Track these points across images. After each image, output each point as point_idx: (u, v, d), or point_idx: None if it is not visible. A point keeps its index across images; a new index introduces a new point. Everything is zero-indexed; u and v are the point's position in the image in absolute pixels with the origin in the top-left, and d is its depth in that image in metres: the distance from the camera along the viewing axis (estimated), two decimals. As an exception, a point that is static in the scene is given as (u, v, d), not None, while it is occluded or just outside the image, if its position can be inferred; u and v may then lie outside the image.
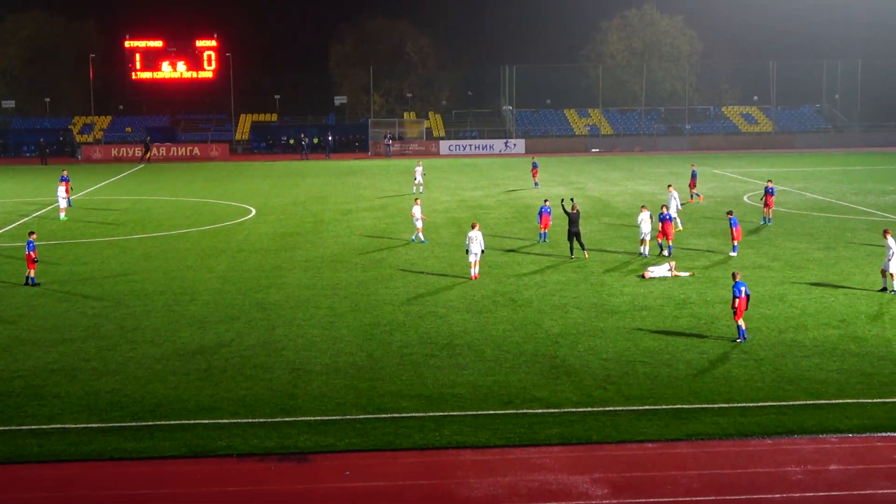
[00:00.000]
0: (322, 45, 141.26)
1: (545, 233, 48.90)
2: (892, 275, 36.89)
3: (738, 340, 30.36)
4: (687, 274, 40.03)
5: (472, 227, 40.92)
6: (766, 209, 54.38)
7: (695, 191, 65.61)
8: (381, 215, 60.17)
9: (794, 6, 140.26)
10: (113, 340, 31.47)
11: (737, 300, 30.23)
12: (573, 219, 44.19)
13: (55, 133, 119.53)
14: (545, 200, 50.71)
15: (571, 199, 46.96)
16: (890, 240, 36.94)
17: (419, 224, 49.24)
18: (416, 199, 51.51)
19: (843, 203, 63.37)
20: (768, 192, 54.55)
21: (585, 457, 22.05)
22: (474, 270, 40.40)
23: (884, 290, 37.06)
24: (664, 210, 45.59)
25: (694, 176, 66.08)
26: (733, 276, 31.14)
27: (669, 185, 57.27)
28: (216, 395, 25.96)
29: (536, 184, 76.50)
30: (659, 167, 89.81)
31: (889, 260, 36.75)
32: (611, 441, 22.78)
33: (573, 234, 44.22)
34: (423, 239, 49.22)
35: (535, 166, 78.59)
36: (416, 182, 72.53)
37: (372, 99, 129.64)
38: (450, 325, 32.96)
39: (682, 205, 46.61)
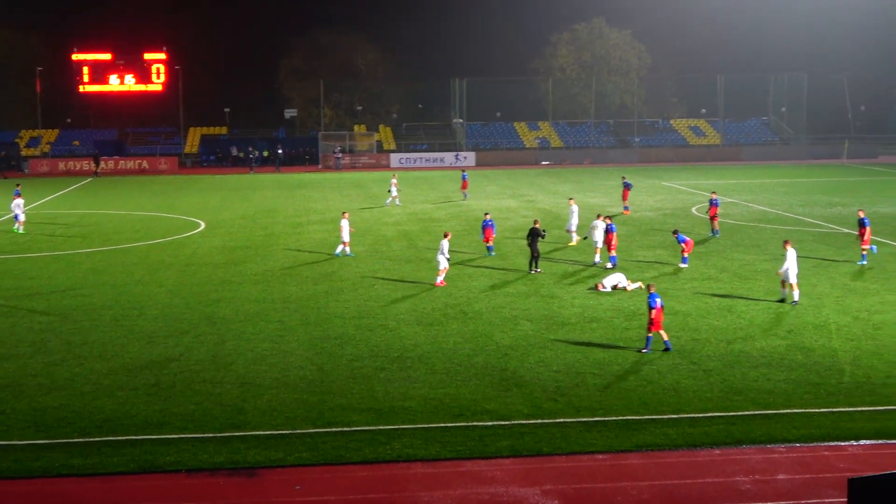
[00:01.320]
0: (272, 58, 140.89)
1: (491, 245, 48.87)
2: (791, 284, 37.54)
3: (645, 350, 30.63)
4: (637, 285, 40.20)
5: (444, 237, 42.21)
6: (712, 221, 54.85)
7: (626, 202, 66.14)
8: (331, 228, 59.95)
9: (740, 20, 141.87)
10: (60, 356, 31.14)
11: (653, 311, 30.46)
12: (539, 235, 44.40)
13: (1, 147, 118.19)
14: (486, 214, 50.71)
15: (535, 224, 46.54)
16: (790, 250, 37.60)
17: (346, 237, 48.81)
18: (343, 213, 50.96)
19: (789, 215, 63.98)
20: (713, 204, 55.03)
21: (536, 469, 22.08)
22: (440, 277, 41.23)
23: (782, 300, 37.63)
24: (608, 221, 45.89)
25: (626, 187, 66.58)
26: (648, 287, 31.44)
27: (570, 199, 56.83)
28: (165, 410, 25.75)
29: (465, 195, 76.68)
30: (609, 179, 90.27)
31: (787, 269, 37.39)
32: (561, 453, 22.82)
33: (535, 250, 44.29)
34: (348, 252, 48.87)
35: (464, 178, 78.66)
36: (392, 195, 72.60)
37: (322, 112, 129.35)
38: (400, 338, 32.91)
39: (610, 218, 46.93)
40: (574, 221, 52.62)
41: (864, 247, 45.28)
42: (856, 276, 42.56)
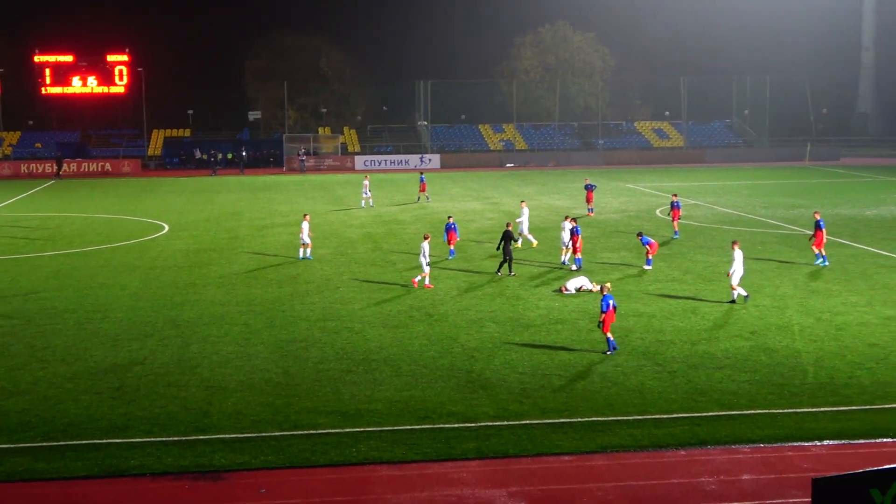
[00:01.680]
0: (236, 60, 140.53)
1: (453, 249, 48.80)
2: (733, 286, 37.96)
3: (608, 353, 30.74)
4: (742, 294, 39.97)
5: (425, 239, 41.91)
6: (673, 222, 55.19)
7: (591, 205, 66.41)
8: (296, 231, 59.70)
9: (703, 23, 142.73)
10: (22, 359, 30.91)
11: (604, 314, 30.58)
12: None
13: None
14: (449, 217, 50.58)
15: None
16: (737, 251, 38.04)
17: (306, 240, 48.52)
18: (304, 216, 50.58)
19: (753, 217, 64.39)
20: (674, 207, 55.32)
21: (502, 470, 22.12)
22: (427, 280, 41.35)
23: (733, 301, 38.04)
24: (574, 223, 46.03)
25: (589, 189, 66.82)
26: (601, 289, 31.60)
27: (522, 201, 56.79)
28: (129, 413, 25.62)
29: (427, 198, 76.81)
30: (573, 182, 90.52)
31: (733, 271, 37.86)
32: (527, 454, 22.87)
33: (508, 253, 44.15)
34: (308, 256, 48.66)
35: (422, 181, 78.74)
36: (365, 196, 72.53)
37: (287, 114, 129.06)
38: (366, 340, 32.89)
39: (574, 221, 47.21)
40: (525, 224, 52.91)
41: (818, 249, 45.45)
42: (818, 277, 42.89)
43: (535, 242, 52.15)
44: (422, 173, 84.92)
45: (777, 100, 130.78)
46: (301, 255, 48.93)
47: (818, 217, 46.24)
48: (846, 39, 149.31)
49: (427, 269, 41.41)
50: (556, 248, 49.29)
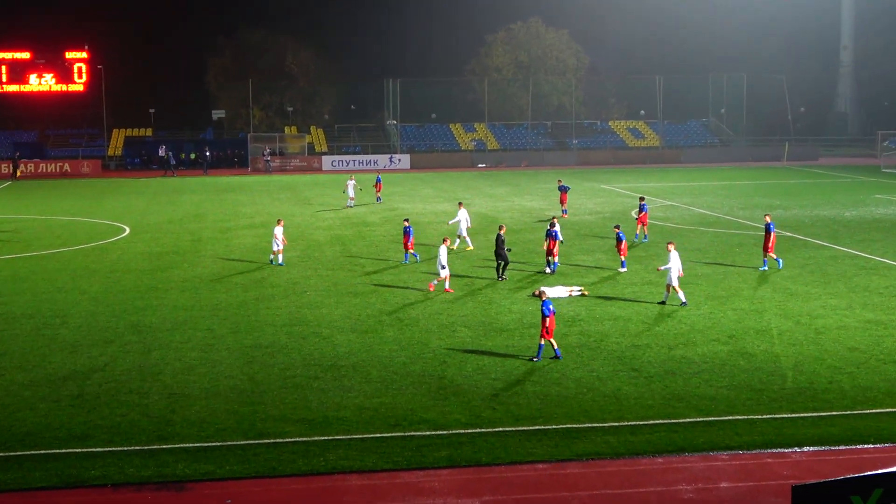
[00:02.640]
0: (199, 57, 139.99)
1: (408, 253, 48.36)
2: (674, 287, 38.42)
3: (535, 359, 30.72)
4: (580, 291, 40.24)
5: (443, 243, 41.74)
6: (640, 226, 54.84)
7: (565, 206, 66.59)
8: (262, 233, 59.68)
9: (678, 20, 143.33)
10: (-22, 367, 30.69)
11: (547, 319, 30.55)
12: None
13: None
14: (405, 220, 50.35)
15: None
16: (673, 252, 38.46)
17: (279, 246, 47.71)
18: (278, 220, 50.07)
19: (730, 218, 64.68)
20: (642, 210, 55.23)
21: (475, 479, 22.10)
22: (447, 284, 40.95)
23: (663, 303, 38.46)
24: (551, 226, 46.09)
25: (563, 190, 66.95)
26: (540, 295, 31.67)
27: (460, 203, 56.49)
28: (89, 422, 25.46)
29: (378, 198, 76.92)
30: (546, 182, 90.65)
31: (669, 271, 38.35)
32: (501, 462, 22.86)
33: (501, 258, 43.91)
34: (280, 262, 47.83)
35: (378, 181, 78.80)
36: (350, 196, 72.76)
37: (251, 113, 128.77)
38: (334, 345, 32.82)
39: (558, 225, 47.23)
40: (463, 225, 53.14)
41: (769, 253, 45.35)
42: (797, 280, 43.10)
43: (470, 246, 52.36)
44: (378, 174, 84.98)
45: (754, 98, 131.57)
46: (272, 259, 48.41)
47: (769, 220, 46.17)
48: (825, 37, 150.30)
49: (444, 274, 40.84)
50: (527, 252, 49.40)
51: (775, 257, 45.63)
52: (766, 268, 45.26)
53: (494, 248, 44.11)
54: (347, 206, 72.45)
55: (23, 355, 31.96)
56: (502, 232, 44.30)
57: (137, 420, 25.62)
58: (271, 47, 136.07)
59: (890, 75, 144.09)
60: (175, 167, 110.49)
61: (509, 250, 44.26)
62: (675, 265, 38.33)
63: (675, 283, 38.38)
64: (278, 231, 48.09)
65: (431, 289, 41.08)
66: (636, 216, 56.25)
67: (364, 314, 37.33)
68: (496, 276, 43.76)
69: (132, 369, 30.27)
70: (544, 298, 31.09)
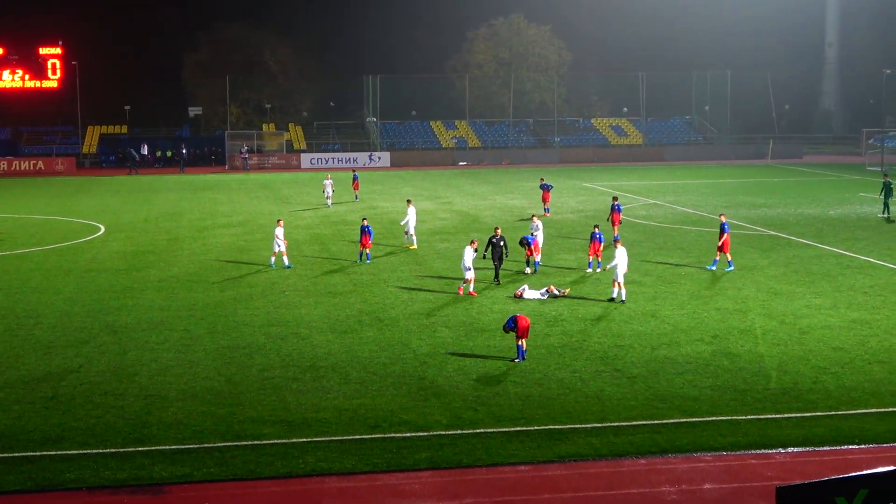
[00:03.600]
0: (176, 53, 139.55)
1: (363, 252, 48.11)
2: (619, 284, 38.78)
3: (517, 360, 30.77)
4: (560, 292, 40.12)
5: (470, 244, 40.99)
6: (613, 226, 54.34)
7: (547, 205, 66.66)
8: (239, 232, 59.63)
9: (662, 16, 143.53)
10: (-50, 368, 30.57)
11: (516, 326, 30.60)
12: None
13: None
14: (363, 219, 50.11)
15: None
16: (619, 249, 38.98)
17: (281, 247, 46.99)
18: (278, 221, 49.39)
19: (714, 217, 64.73)
20: (615, 210, 54.71)
21: (456, 481, 22.12)
22: (471, 287, 40.43)
23: (612, 300, 38.80)
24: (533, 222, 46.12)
25: (545, 189, 66.99)
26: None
27: (409, 201, 56.59)
28: (64, 424, 25.39)
29: (356, 196, 76.98)
30: (528, 181, 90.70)
31: (616, 268, 38.78)
32: (482, 464, 22.88)
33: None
34: (286, 263, 47.00)
35: (355, 178, 78.76)
36: (327, 195, 72.47)
37: (229, 110, 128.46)
38: (313, 346, 32.80)
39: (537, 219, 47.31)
40: (412, 224, 53.23)
41: (723, 253, 45.24)
42: (781, 279, 43.25)
43: (415, 245, 52.57)
44: (354, 171, 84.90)
45: (738, 96, 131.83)
46: (272, 262, 47.39)
47: (724, 220, 46.13)
48: (809, 34, 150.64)
49: (469, 276, 40.12)
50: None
51: (729, 259, 45.45)
52: (713, 267, 45.17)
53: (491, 251, 43.07)
54: (328, 206, 72.20)
55: (-4, 356, 31.86)
56: (498, 233, 43.54)
57: (113, 422, 25.56)
58: (249, 43, 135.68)
59: (875, 73, 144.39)
60: (138, 165, 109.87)
61: (506, 255, 43.62)
62: (621, 262, 38.75)
63: (621, 279, 38.82)
64: (279, 232, 47.12)
65: (460, 292, 40.56)
66: (608, 218, 55.68)
67: (343, 314, 37.32)
68: (494, 280, 43.02)
69: (107, 370, 30.19)
70: (508, 324, 31.09)
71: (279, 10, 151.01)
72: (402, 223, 54.24)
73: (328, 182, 73.89)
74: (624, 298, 38.77)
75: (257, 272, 46.02)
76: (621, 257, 38.85)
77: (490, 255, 43.14)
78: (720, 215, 47.18)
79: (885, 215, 62.72)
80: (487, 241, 43.68)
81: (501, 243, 43.00)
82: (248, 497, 21.46)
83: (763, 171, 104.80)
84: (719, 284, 42.11)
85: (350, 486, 21.90)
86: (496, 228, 44.57)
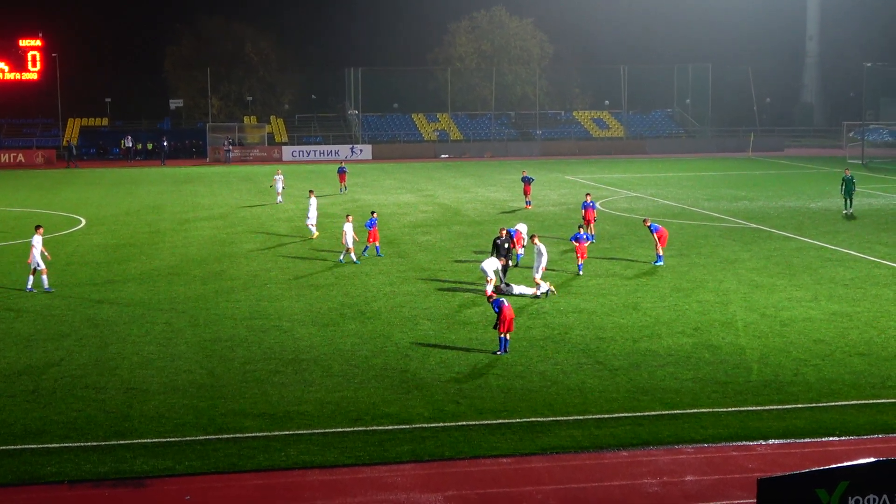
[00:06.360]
0: (157, 45, 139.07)
1: (369, 246, 47.99)
2: (537, 282, 38.73)
3: (499, 353, 30.76)
4: (547, 287, 39.69)
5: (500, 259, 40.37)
6: (587, 225, 50.96)
7: (529, 197, 66.63)
8: (221, 225, 59.51)
9: (644, 9, 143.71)
10: (-70, 361, 30.44)
11: (500, 315, 30.59)
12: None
13: None
14: (372, 212, 49.90)
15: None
16: (538, 244, 39.00)
17: (351, 243, 45.71)
18: (347, 216, 47.46)
19: (695, 209, 64.99)
20: (587, 207, 52.25)
21: (438, 474, 22.14)
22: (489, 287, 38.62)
23: (537, 296, 38.52)
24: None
25: (526, 181, 66.85)
26: (498, 291, 31.69)
27: (311, 191, 56.34)
28: (45, 417, 25.31)
29: (344, 189, 76.81)
30: (510, 173, 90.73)
31: (538, 265, 38.78)
32: (464, 457, 22.90)
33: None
34: (354, 259, 45.99)
35: (341, 171, 78.50)
36: (277, 191, 70.89)
37: (210, 102, 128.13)
38: (295, 339, 32.77)
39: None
40: (313, 215, 53.69)
41: (660, 249, 45.10)
42: (762, 271, 43.37)
43: (315, 234, 53.31)
44: (342, 162, 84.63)
45: (720, 89, 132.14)
46: (341, 259, 46.32)
47: (648, 224, 45.91)
48: (790, 28, 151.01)
49: (492, 276, 38.49)
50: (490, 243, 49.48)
51: (660, 253, 45.28)
52: (660, 263, 45.14)
53: (496, 253, 41.41)
54: (278, 203, 70.20)
55: (-24, 350, 31.73)
56: (502, 235, 42.33)
57: (94, 415, 25.49)
58: (230, 35, 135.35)
59: (855, 66, 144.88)
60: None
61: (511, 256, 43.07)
62: (542, 257, 38.76)
63: (538, 275, 38.75)
64: (348, 228, 45.74)
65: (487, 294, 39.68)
66: (582, 215, 53.10)
67: (325, 307, 37.29)
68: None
69: (88, 364, 30.11)
70: (494, 298, 31.19)
71: (260, 3, 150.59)
72: (308, 215, 54.74)
73: (279, 177, 71.66)
74: (538, 294, 38.33)
75: (239, 265, 45.93)
76: (539, 253, 38.74)
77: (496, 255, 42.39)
78: (644, 220, 47.44)
79: (848, 211, 62.57)
80: (493, 242, 42.39)
81: (507, 245, 42.30)
82: (229, 490, 21.43)
83: (744, 163, 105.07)
84: (700, 277, 42.20)
85: (332, 479, 21.89)
86: (501, 229, 43.18)
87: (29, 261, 40.55)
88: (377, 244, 47.92)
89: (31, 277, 40.66)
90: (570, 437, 24.00)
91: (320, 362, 30.08)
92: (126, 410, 25.87)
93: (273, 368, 29.50)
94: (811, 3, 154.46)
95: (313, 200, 54.06)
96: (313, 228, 53.68)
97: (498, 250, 41.49)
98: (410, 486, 21.54)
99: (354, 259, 46.06)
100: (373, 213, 49.86)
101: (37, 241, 40.53)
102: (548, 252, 39.92)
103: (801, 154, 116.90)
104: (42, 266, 40.52)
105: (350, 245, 45.80)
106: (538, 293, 38.71)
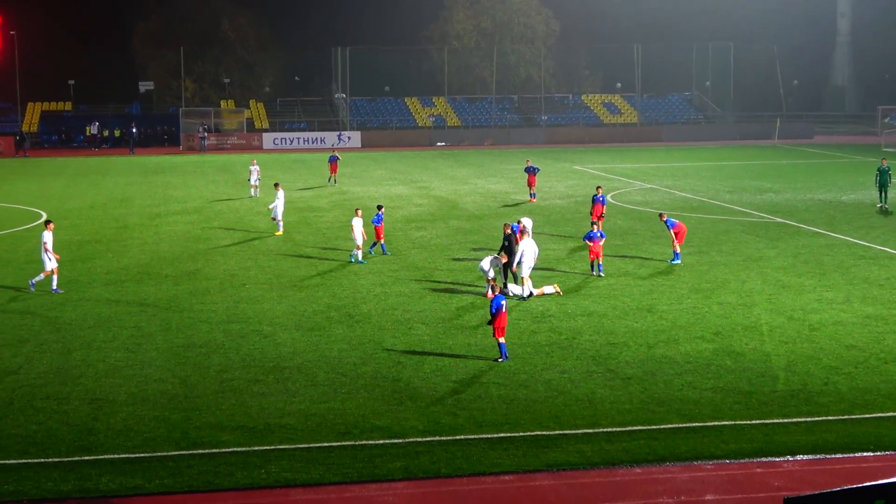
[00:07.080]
0: (124, 22, 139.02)
1: (377, 243, 47.72)
2: (523, 279, 38.73)
3: (500, 360, 30.67)
4: (553, 288, 39.69)
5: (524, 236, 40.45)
6: (598, 221, 49.71)
7: (533, 189, 66.64)
8: (195, 219, 59.52)
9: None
10: None
11: (499, 316, 30.44)
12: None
13: None
14: (379, 206, 49.69)
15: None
16: (524, 241, 39.18)
17: (359, 240, 45.54)
18: (357, 210, 46.94)
19: (716, 202, 65.02)
20: (597, 202, 52.38)
21: (433, 492, 22.14)
22: (488, 289, 38.66)
23: (523, 298, 38.37)
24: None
25: (531, 172, 66.76)
26: (492, 289, 31.64)
27: (276, 184, 56.41)
28: (2, 431, 25.29)
29: (335, 180, 76.93)
30: (512, 163, 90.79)
31: (521, 263, 38.79)
32: (462, 474, 22.89)
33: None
34: (360, 259, 45.76)
35: (333, 160, 78.50)
36: (252, 184, 70.25)
37: (183, 85, 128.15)
38: (277, 345, 32.77)
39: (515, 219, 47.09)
40: (280, 209, 54.13)
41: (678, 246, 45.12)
42: (789, 270, 43.38)
43: (281, 231, 53.73)
44: (334, 151, 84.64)
45: (742, 71, 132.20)
46: (352, 257, 46.02)
47: (665, 218, 45.79)
48: (820, 4, 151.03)
49: (492, 275, 38.37)
50: (491, 239, 49.47)
51: (678, 251, 45.26)
52: (677, 261, 45.12)
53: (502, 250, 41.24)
54: (252, 196, 69.68)
55: (-74, 356, 31.74)
56: (508, 232, 41.80)
57: (56, 429, 25.47)
58: (204, 10, 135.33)
59: (891, 46, 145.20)
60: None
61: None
62: (527, 255, 38.76)
63: (526, 273, 38.75)
64: (357, 223, 45.53)
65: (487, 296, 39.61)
66: (590, 211, 53.14)
67: (310, 310, 37.29)
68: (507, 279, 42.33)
69: (49, 372, 30.09)
70: (495, 293, 31.13)
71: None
72: (269, 206, 55.43)
73: (254, 168, 70.99)
74: (525, 296, 38.25)
75: (215, 263, 45.93)
76: (524, 250, 38.73)
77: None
78: (660, 215, 47.39)
79: (884, 204, 62.53)
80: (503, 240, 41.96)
81: (506, 244, 42.05)
82: (205, 511, 21.46)
83: (769, 152, 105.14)
84: (721, 277, 42.21)
85: (318, 499, 21.89)
86: (505, 225, 42.72)
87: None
88: (383, 241, 47.78)
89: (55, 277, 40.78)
90: (578, 452, 23.99)
91: (304, 370, 30.07)
92: (91, 423, 25.85)
93: (252, 377, 29.49)
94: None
95: (280, 193, 54.15)
96: (280, 224, 53.91)
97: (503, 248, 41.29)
98: (403, 506, 21.56)
99: (360, 258, 45.95)
100: (379, 207, 48.49)
101: (47, 237, 40.78)
102: (547, 250, 39.88)
103: (831, 142, 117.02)
104: (48, 266, 40.68)
105: (359, 242, 45.56)
106: (525, 295, 38.61)
